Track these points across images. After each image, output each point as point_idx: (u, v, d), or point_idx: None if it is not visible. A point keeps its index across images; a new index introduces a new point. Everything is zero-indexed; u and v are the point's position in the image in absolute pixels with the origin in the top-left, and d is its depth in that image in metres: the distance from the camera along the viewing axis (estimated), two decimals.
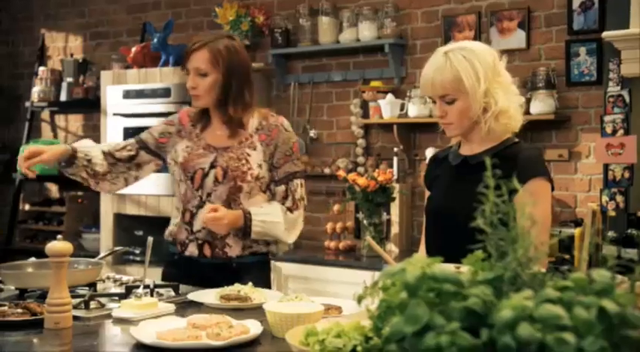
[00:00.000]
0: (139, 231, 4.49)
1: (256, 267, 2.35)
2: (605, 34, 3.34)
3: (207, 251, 2.32)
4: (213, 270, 2.31)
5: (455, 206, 1.94)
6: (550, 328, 0.84)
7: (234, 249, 2.30)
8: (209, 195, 2.30)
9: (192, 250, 2.34)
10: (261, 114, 2.37)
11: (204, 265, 2.33)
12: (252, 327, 1.61)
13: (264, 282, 2.32)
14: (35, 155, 2.21)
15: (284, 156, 2.33)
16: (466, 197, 1.97)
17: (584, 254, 3.19)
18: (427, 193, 2.20)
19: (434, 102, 2.03)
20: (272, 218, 2.28)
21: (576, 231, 3.36)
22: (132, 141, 2.44)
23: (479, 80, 1.93)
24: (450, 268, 1.04)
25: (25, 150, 2.23)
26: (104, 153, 2.39)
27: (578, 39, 3.66)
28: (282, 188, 2.34)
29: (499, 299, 0.91)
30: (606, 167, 3.48)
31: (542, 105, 3.59)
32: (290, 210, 2.33)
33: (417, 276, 0.92)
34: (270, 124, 2.34)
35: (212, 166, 2.30)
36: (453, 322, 0.88)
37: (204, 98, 2.31)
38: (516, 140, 2.04)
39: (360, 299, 1.07)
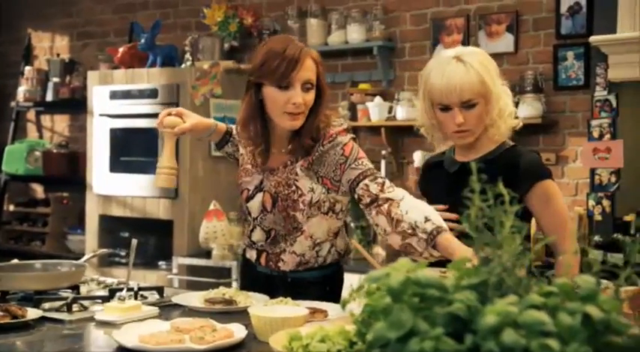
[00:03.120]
0: (125, 233, 4.46)
1: (316, 283, 2.10)
2: (592, 38, 3.35)
3: (262, 260, 2.13)
4: (268, 281, 2.12)
5: (456, 213, 1.92)
6: (534, 334, 0.83)
7: (287, 265, 2.08)
8: (257, 218, 2.08)
9: (251, 254, 2.17)
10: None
11: (259, 274, 2.16)
12: (237, 331, 1.59)
13: (327, 298, 2.00)
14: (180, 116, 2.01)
15: (338, 169, 1.99)
16: (461, 204, 1.96)
17: None
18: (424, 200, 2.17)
19: (445, 110, 1.95)
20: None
21: None
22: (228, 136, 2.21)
23: (494, 83, 1.95)
24: (434, 273, 1.04)
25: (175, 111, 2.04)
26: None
27: (566, 43, 3.68)
28: (358, 194, 1.98)
29: (484, 304, 0.91)
30: (593, 171, 3.49)
31: (529, 109, 3.60)
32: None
33: (401, 281, 0.91)
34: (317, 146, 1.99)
35: (259, 190, 2.07)
36: (437, 327, 0.87)
37: (304, 116, 1.95)
38: (512, 143, 2.04)
39: (344, 304, 1.06)
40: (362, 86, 4.18)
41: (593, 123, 3.46)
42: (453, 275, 0.97)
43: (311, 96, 1.95)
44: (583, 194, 3.57)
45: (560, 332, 0.84)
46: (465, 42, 3.91)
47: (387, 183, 1.98)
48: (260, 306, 1.76)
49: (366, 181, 1.96)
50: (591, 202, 3.44)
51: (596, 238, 3.26)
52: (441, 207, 1.97)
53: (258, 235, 2.11)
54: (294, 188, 2.01)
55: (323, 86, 1.98)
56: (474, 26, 3.93)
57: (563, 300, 0.89)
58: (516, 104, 3.62)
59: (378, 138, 4.15)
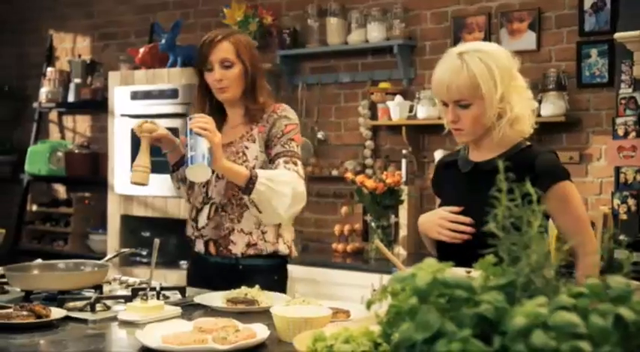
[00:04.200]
0: (146, 233, 4.48)
1: (266, 271, 2.29)
2: (617, 35, 3.30)
3: (212, 248, 2.31)
4: (219, 272, 2.29)
5: (470, 215, 1.89)
6: (565, 336, 0.82)
7: (237, 246, 2.27)
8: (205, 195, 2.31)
9: (199, 247, 2.34)
10: (269, 107, 2.33)
11: (211, 265, 2.33)
12: (259, 331, 1.59)
13: (275, 287, 2.20)
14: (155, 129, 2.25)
15: (274, 139, 2.27)
16: (481, 205, 1.93)
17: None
18: (437, 200, 2.14)
19: (445, 104, 1.94)
20: (280, 188, 2.15)
21: None
22: None
23: (496, 85, 1.85)
24: (460, 273, 1.02)
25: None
26: None
27: (590, 40, 3.63)
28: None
29: (512, 305, 0.89)
30: (618, 170, 3.44)
31: (552, 107, 3.56)
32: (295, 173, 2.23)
33: (428, 282, 0.90)
34: (269, 114, 2.30)
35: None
36: (464, 329, 0.86)
37: (231, 89, 2.27)
38: (528, 143, 1.97)
39: (369, 305, 1.05)
40: (382, 85, 4.16)
41: (618, 121, 3.41)
42: (480, 275, 0.96)
43: (232, 71, 2.26)
44: (608, 193, 3.52)
45: (592, 335, 0.82)
46: (487, 40, 3.87)
47: (297, 170, 2.23)
48: (282, 306, 1.75)
49: (281, 160, 2.24)
50: (616, 201, 3.40)
51: (622, 237, 3.22)
52: (456, 209, 1.95)
53: (203, 217, 2.31)
54: (240, 155, 2.26)
55: (245, 62, 2.27)
56: (496, 24, 3.89)
57: (593, 302, 0.87)
58: (539, 102, 3.59)
59: (398, 137, 4.12)
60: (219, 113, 2.34)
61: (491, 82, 1.85)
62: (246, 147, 2.28)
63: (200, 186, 2.33)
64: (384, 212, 3.85)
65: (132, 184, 2.21)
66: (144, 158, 2.19)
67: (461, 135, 1.95)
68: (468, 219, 1.90)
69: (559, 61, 3.72)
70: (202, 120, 2.11)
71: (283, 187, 2.16)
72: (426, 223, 2.02)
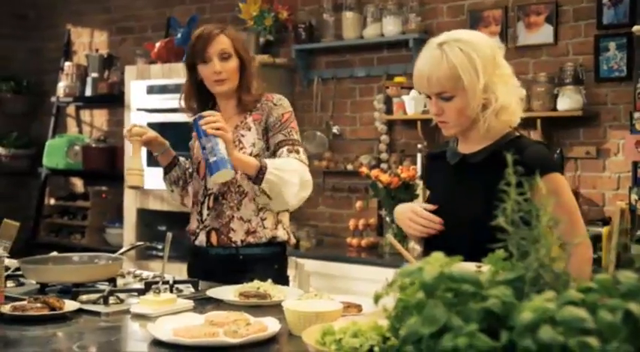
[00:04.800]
0: (162, 226, 4.50)
1: (266, 260, 2.33)
2: (636, 28, 3.26)
3: (213, 238, 2.34)
4: (220, 263, 2.33)
5: (457, 207, 1.86)
6: (573, 331, 0.81)
7: (237, 234, 2.30)
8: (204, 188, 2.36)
9: (201, 239, 2.37)
10: (262, 96, 2.38)
11: (212, 257, 2.36)
12: (270, 325, 1.59)
13: (276, 276, 2.21)
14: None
15: (273, 129, 2.31)
16: (468, 198, 1.91)
17: (612, 254, 3.14)
18: (427, 192, 2.09)
19: (428, 97, 1.87)
20: (287, 176, 2.19)
21: (604, 230, 3.30)
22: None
23: (478, 75, 1.77)
24: (470, 267, 1.01)
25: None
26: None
27: (608, 33, 3.59)
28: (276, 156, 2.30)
29: (520, 300, 0.88)
30: (636, 165, 3.40)
31: (569, 101, 3.53)
32: (301, 162, 2.28)
33: (435, 276, 0.89)
34: (262, 103, 2.35)
35: None
36: (471, 323, 0.85)
37: (230, 82, 2.32)
38: (517, 134, 1.90)
39: (377, 299, 1.04)
40: (398, 79, 4.14)
41: (636, 115, 3.37)
42: (489, 269, 0.95)
43: (230, 64, 2.30)
44: (625, 188, 3.49)
45: (600, 330, 0.81)
46: (503, 33, 3.84)
47: (301, 158, 2.28)
48: (294, 300, 1.75)
49: (284, 149, 2.28)
50: (634, 196, 3.36)
51: (639, 233, 3.18)
52: (431, 207, 1.92)
53: (205, 208, 2.35)
54: (237, 143, 2.28)
55: (242, 56, 2.33)
56: (512, 17, 3.86)
57: (602, 297, 0.86)
58: (555, 96, 3.56)
59: (414, 131, 4.11)
60: (208, 106, 2.40)
61: (473, 73, 1.77)
62: (242, 136, 2.32)
63: (200, 181, 2.38)
64: None
65: (128, 188, 2.28)
66: (137, 161, 2.24)
67: (446, 127, 1.89)
68: (438, 219, 1.87)
69: (576, 55, 3.68)
70: (213, 119, 2.11)
71: (291, 176, 2.20)
72: (399, 215, 2.00)
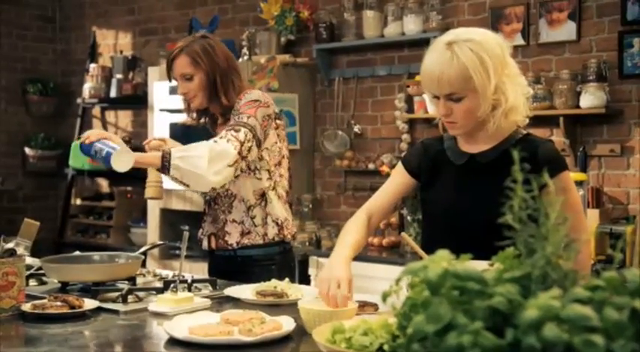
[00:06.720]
0: (185, 226, 4.53)
1: (262, 261, 2.36)
2: None
3: (213, 243, 2.42)
4: (220, 266, 2.41)
5: (471, 208, 1.83)
6: (578, 329, 0.80)
7: (232, 237, 2.35)
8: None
9: (205, 244, 2.45)
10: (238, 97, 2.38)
11: (214, 259, 2.46)
12: (285, 324, 1.60)
13: (276, 278, 2.09)
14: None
15: (232, 117, 2.32)
16: (482, 199, 1.88)
17: (637, 252, 3.09)
18: (405, 175, 1.99)
19: (436, 97, 1.83)
20: (193, 152, 2.12)
21: (628, 229, 3.25)
22: None
23: (489, 76, 1.74)
24: (482, 266, 1.01)
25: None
26: None
27: (632, 29, 3.53)
28: None
29: (527, 298, 0.87)
30: None
31: (592, 98, 3.48)
32: (215, 141, 2.17)
33: (440, 274, 0.89)
34: (237, 102, 2.35)
35: None
36: (476, 321, 0.85)
37: (197, 99, 2.38)
38: (524, 132, 1.88)
39: (385, 297, 1.04)
40: (419, 78, 4.11)
41: None
42: (496, 267, 0.94)
43: (193, 83, 2.35)
44: None
45: (606, 328, 0.80)
46: (525, 31, 3.81)
47: (235, 135, 2.19)
48: (310, 299, 1.75)
49: (225, 130, 2.24)
50: None
51: None
52: (348, 294, 1.71)
53: (204, 215, 2.46)
54: None
55: (205, 69, 2.34)
56: (535, 14, 3.82)
57: (610, 295, 0.85)
58: (578, 94, 3.52)
59: (435, 130, 4.08)
60: (206, 114, 2.48)
61: (484, 74, 1.74)
62: None
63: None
64: (419, 206, 3.81)
65: (147, 199, 2.28)
66: (155, 173, 2.25)
67: (454, 128, 1.85)
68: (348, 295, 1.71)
69: (600, 52, 3.63)
70: (86, 135, 2.21)
71: (197, 150, 2.12)
72: (322, 276, 1.77)
